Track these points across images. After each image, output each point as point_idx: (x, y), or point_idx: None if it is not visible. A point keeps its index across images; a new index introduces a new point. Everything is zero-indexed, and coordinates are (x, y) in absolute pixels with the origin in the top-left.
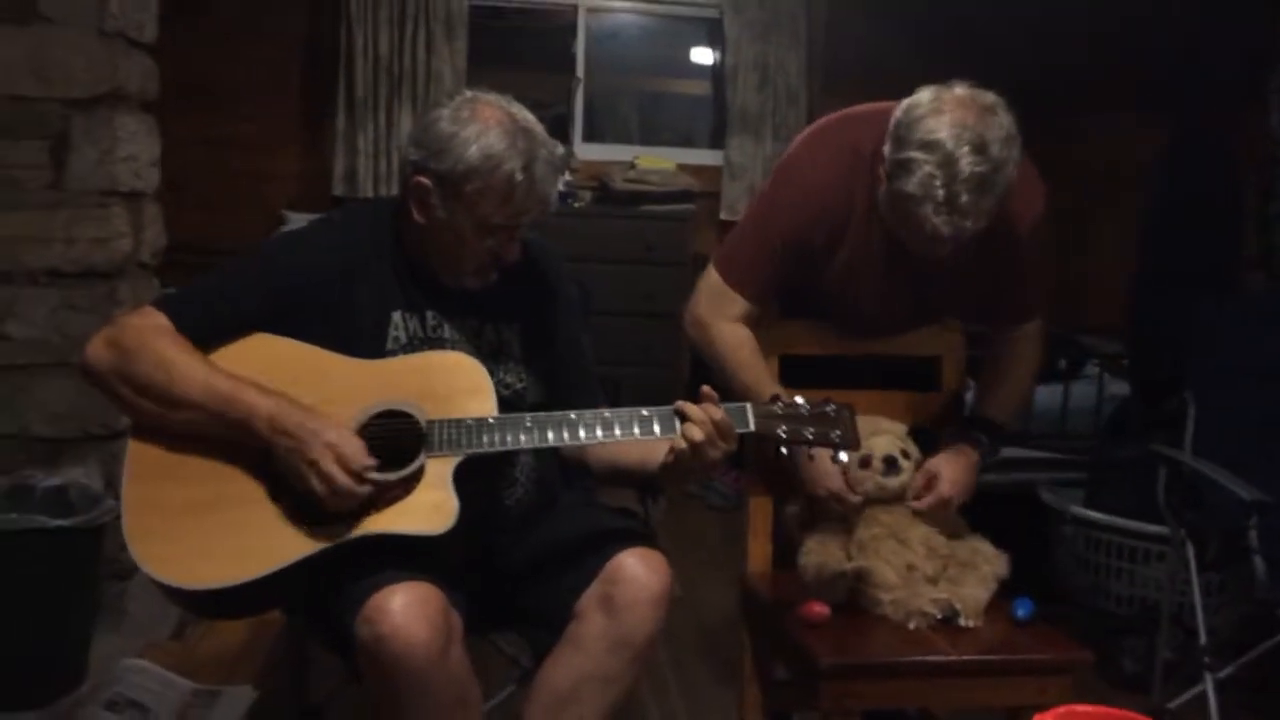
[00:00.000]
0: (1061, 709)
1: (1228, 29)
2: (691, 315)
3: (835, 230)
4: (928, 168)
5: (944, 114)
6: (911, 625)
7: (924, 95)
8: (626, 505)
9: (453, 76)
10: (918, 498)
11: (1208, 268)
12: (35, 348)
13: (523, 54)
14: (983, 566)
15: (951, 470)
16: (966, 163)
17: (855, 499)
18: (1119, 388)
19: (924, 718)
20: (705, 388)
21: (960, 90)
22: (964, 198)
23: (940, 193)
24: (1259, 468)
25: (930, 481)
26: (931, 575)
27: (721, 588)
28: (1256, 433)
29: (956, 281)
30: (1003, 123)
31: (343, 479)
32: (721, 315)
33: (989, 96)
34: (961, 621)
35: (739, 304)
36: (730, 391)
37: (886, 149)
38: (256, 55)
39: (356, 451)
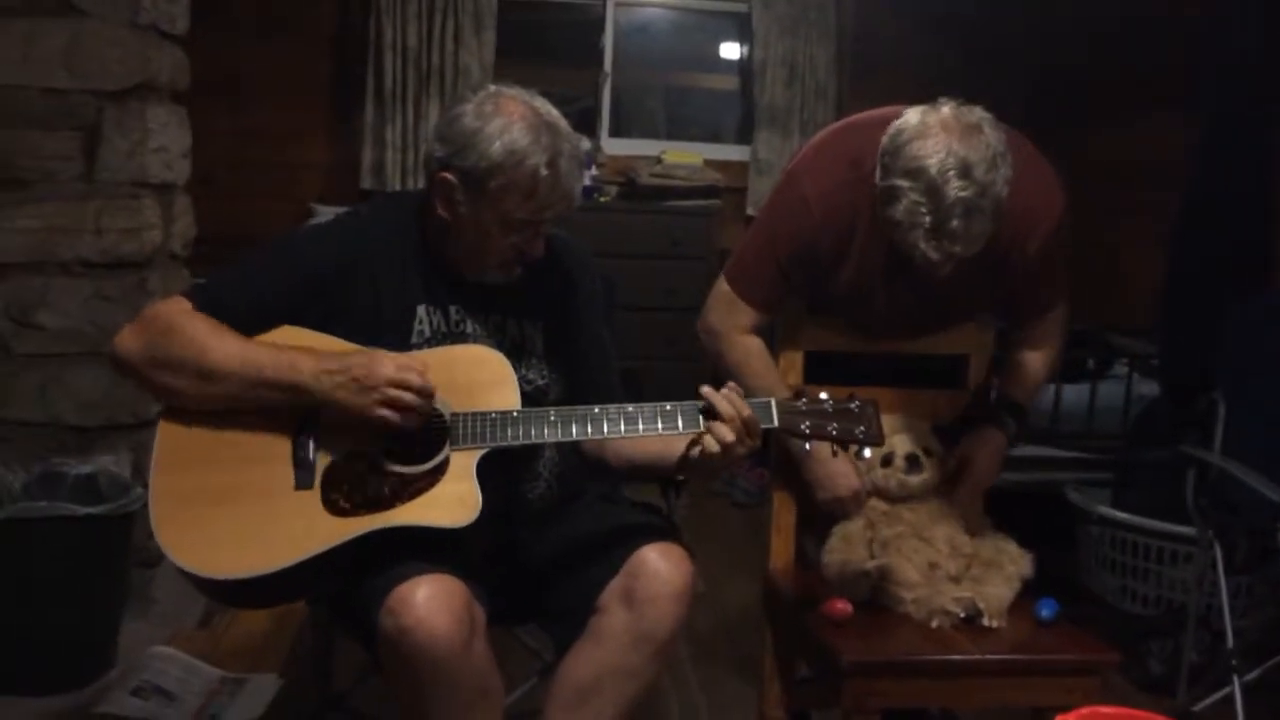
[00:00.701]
0: (1085, 710)
1: (1260, 26)
2: (704, 324)
3: (840, 242)
4: (913, 195)
5: (928, 138)
6: (934, 624)
7: (910, 117)
8: (649, 500)
9: (481, 70)
10: (951, 483)
11: (1238, 266)
12: (67, 337)
13: (551, 48)
14: (1007, 566)
15: (983, 456)
16: (953, 188)
17: (855, 510)
18: (1147, 387)
19: (946, 717)
20: (730, 384)
21: (946, 110)
22: (952, 223)
23: (927, 220)
24: None
25: (964, 467)
26: (954, 574)
27: (744, 584)
28: None
29: (971, 288)
30: (988, 142)
31: (416, 378)
32: (733, 325)
33: (974, 114)
34: (984, 621)
35: (748, 313)
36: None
37: (876, 173)
38: (286, 48)
39: (414, 370)
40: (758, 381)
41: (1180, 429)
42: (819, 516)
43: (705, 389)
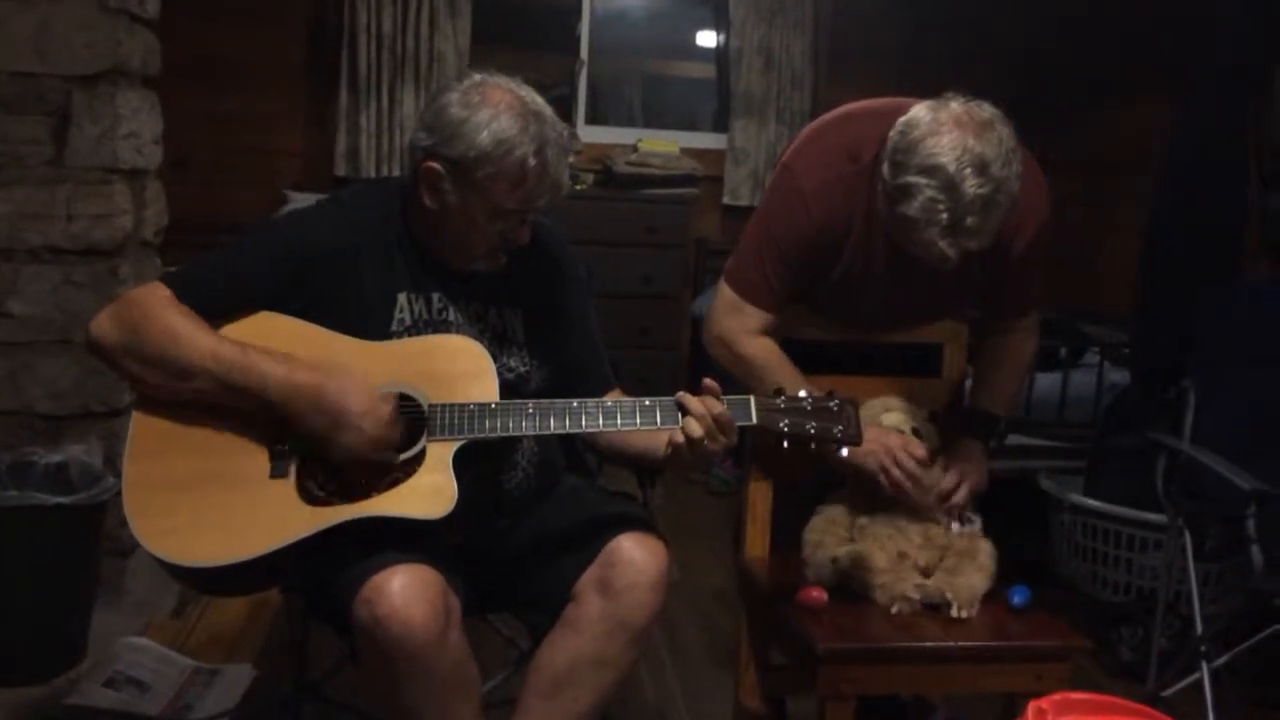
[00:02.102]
0: (1057, 696)
1: (1240, 17)
2: (712, 334)
3: (837, 236)
4: (930, 192)
5: (942, 135)
6: (893, 610)
7: (920, 113)
8: (625, 489)
9: (456, 56)
10: (946, 497)
11: (1210, 256)
12: (37, 325)
13: (527, 34)
14: (980, 556)
15: (975, 469)
16: (970, 185)
17: (896, 475)
18: (1119, 376)
19: (920, 704)
20: (707, 380)
21: (956, 106)
22: (969, 220)
23: (944, 217)
24: (1259, 457)
25: (960, 481)
26: (925, 565)
27: (720, 572)
28: (1256, 422)
29: (960, 283)
30: (1002, 137)
31: (379, 429)
32: (742, 329)
33: (986, 110)
34: (953, 611)
35: (756, 315)
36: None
37: (885, 170)
38: (260, 33)
39: (382, 399)
40: (778, 375)
41: (1151, 417)
42: (802, 498)
43: (682, 394)
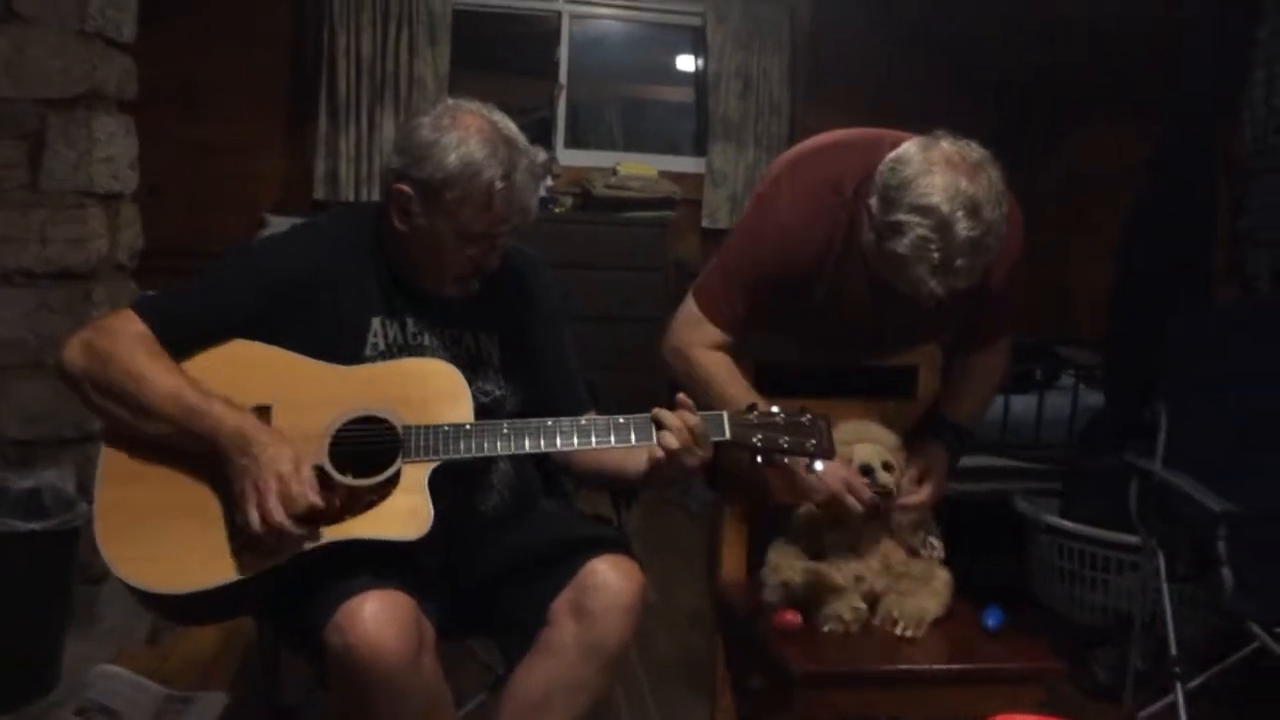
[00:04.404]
0: (1001, 717)
1: (1208, 43)
2: (669, 344)
3: (812, 267)
4: (921, 231)
5: (935, 174)
6: (825, 628)
7: (911, 151)
8: (599, 512)
9: (435, 80)
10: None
11: (1182, 280)
12: (10, 349)
13: (506, 59)
14: (935, 583)
15: (940, 473)
16: (962, 227)
17: (855, 505)
18: (1094, 398)
19: None
20: (681, 395)
21: (947, 145)
22: (959, 261)
23: (935, 256)
24: (1231, 478)
25: (923, 478)
26: (881, 589)
27: (698, 594)
28: (1228, 443)
29: (936, 311)
30: (992, 179)
31: (278, 517)
32: (698, 343)
33: (976, 152)
34: (898, 631)
35: (714, 332)
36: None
37: (873, 205)
38: (239, 57)
39: (302, 491)
40: (727, 391)
41: (1125, 439)
42: (767, 520)
43: (657, 409)
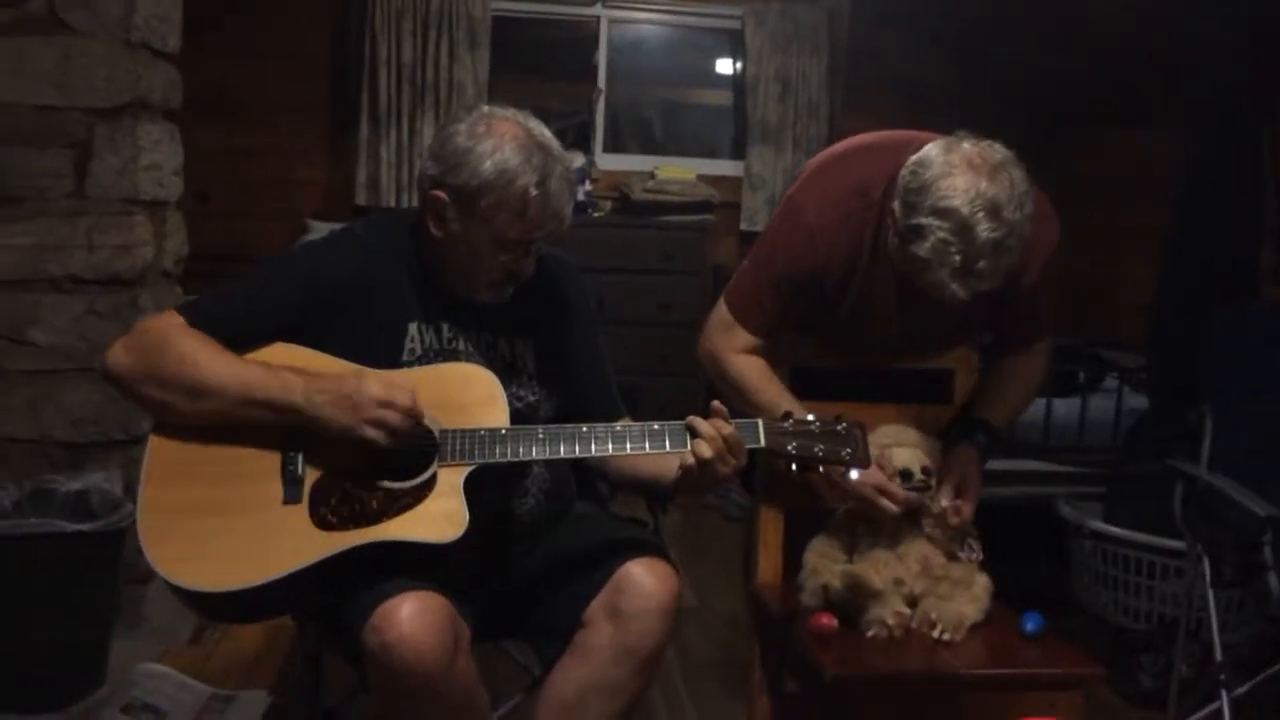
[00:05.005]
0: None
1: (1247, 43)
2: (703, 348)
3: (843, 269)
4: (942, 234)
5: (955, 176)
6: (869, 633)
7: (933, 153)
8: (636, 516)
9: (475, 86)
10: (949, 507)
11: (1226, 281)
12: (59, 354)
13: (545, 64)
14: (975, 588)
15: (975, 480)
16: (983, 229)
17: (891, 507)
18: (1138, 401)
19: None
20: (715, 403)
21: (968, 147)
22: (980, 264)
23: (956, 259)
24: (1277, 483)
25: (960, 490)
26: (920, 592)
27: (736, 598)
28: (1274, 447)
29: (969, 313)
30: (1014, 180)
31: (404, 400)
32: (730, 347)
33: (998, 153)
34: (935, 633)
35: (746, 337)
36: (749, 414)
37: (896, 208)
38: (282, 65)
39: (402, 390)
40: (761, 396)
41: (1169, 443)
42: (804, 524)
43: (692, 417)
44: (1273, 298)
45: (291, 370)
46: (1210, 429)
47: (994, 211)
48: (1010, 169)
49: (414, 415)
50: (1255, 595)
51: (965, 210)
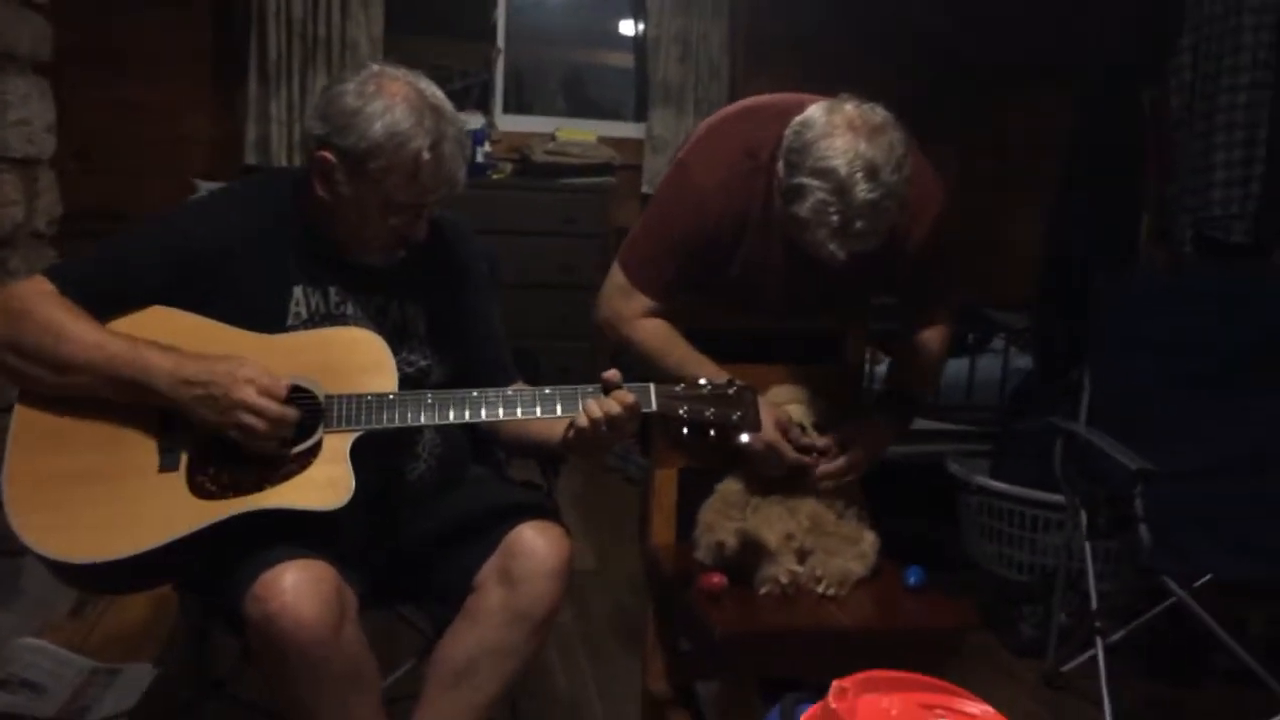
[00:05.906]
0: (860, 674)
1: (1130, 9)
2: (601, 316)
3: (733, 231)
4: (821, 194)
5: (835, 137)
6: (761, 590)
7: (815, 114)
8: (532, 480)
9: (369, 43)
10: (825, 462)
11: (1108, 243)
12: None
13: (442, 21)
14: (862, 544)
15: (864, 439)
16: (861, 190)
17: (791, 455)
18: (1024, 361)
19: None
20: (606, 372)
21: (850, 109)
22: (858, 224)
23: (834, 219)
24: (1152, 439)
25: (842, 447)
26: (809, 547)
27: (636, 560)
28: (1150, 404)
29: (858, 276)
30: (893, 142)
31: (274, 409)
32: (631, 313)
33: (879, 115)
34: (820, 589)
35: (645, 301)
36: (662, 377)
37: (780, 168)
38: (166, 17)
39: (274, 380)
40: (669, 360)
41: (1052, 401)
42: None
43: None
44: (1153, 260)
45: (160, 350)
46: (1089, 386)
47: (872, 173)
48: (890, 131)
49: (284, 423)
50: (1128, 546)
51: (844, 171)
